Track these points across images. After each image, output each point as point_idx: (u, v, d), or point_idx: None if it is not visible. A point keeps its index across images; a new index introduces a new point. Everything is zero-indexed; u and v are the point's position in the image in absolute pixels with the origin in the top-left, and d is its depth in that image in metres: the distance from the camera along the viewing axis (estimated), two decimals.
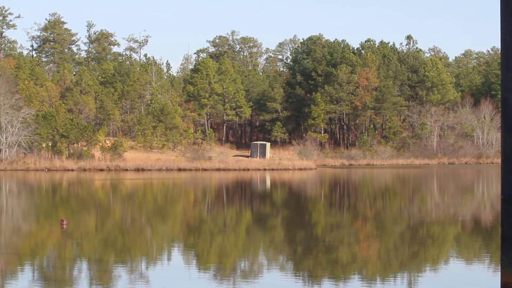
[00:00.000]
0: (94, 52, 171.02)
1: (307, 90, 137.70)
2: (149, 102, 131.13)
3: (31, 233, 31.41)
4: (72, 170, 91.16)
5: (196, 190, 60.14)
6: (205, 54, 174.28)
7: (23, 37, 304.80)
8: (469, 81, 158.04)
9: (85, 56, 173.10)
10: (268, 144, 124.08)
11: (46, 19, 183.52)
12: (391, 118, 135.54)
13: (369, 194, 55.67)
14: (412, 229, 31.67)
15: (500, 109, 17.76)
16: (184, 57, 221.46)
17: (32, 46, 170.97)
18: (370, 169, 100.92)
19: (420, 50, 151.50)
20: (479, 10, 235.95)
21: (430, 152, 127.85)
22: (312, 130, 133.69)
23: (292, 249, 25.73)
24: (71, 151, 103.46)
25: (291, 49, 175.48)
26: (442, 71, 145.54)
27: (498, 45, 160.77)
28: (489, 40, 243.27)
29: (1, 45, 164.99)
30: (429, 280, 20.11)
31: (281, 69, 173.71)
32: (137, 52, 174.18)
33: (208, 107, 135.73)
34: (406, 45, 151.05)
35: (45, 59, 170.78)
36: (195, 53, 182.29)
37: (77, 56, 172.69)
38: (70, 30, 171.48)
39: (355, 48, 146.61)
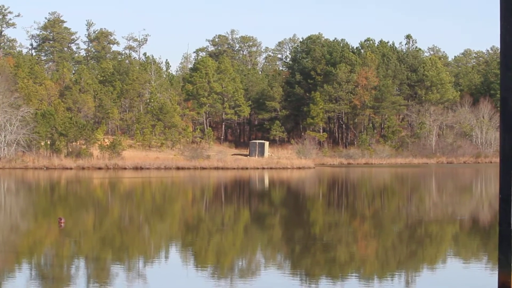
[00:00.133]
0: (94, 51, 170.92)
1: (306, 89, 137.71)
2: (148, 101, 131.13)
3: (29, 231, 31.40)
4: (71, 168, 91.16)
5: (195, 189, 60.13)
6: (204, 53, 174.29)
7: (22, 35, 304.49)
8: (468, 81, 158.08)
9: (85, 55, 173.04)
10: (266, 143, 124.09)
11: (45, 18, 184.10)
12: (390, 117, 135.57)
13: (367, 193, 55.66)
14: (410, 228, 31.67)
15: (499, 108, 17.77)
16: (183, 56, 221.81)
17: (31, 44, 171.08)
18: (368, 168, 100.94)
19: (420, 49, 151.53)
20: (479, 10, 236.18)
21: (428, 151, 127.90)
22: (311, 129, 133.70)
23: (290, 248, 25.72)
24: (70, 150, 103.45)
25: (291, 48, 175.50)
26: (441, 70, 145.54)
27: (497, 44, 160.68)
28: (488, 39, 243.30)
29: (0, 43, 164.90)
30: (427, 279, 20.11)
31: (280, 68, 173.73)
32: (136, 51, 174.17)
33: (207, 106, 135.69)
34: (405, 45, 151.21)
35: (45, 58, 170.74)
36: (194, 52, 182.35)
37: (76, 55, 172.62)
38: (69, 29, 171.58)
39: (355, 47, 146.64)
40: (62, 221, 31.40)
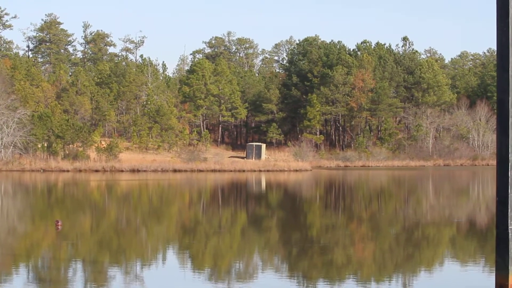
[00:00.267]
0: (90, 52, 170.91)
1: (303, 91, 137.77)
2: (144, 103, 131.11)
3: (26, 234, 31.35)
4: (68, 171, 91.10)
5: (192, 191, 60.10)
6: (201, 55, 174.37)
7: (19, 37, 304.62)
8: (465, 83, 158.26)
9: (81, 56, 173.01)
10: (263, 145, 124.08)
11: (42, 19, 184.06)
12: (387, 119, 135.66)
13: (364, 195, 55.67)
14: (407, 231, 31.67)
15: (495, 110, 17.77)
16: (180, 58, 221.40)
17: (28, 46, 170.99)
18: (365, 171, 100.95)
19: (416, 51, 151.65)
20: (475, 12, 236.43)
21: (425, 153, 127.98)
22: (307, 131, 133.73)
23: (287, 251, 25.71)
24: (67, 152, 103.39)
25: (287, 50, 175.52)
26: (438, 72, 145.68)
27: (494, 46, 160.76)
28: (485, 41, 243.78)
29: None
30: (424, 282, 20.11)
31: (277, 70, 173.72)
32: (133, 53, 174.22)
33: (203, 108, 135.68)
34: (402, 47, 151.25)
35: (41, 60, 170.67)
36: (191, 54, 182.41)
37: (73, 56, 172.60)
38: (66, 30, 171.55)
39: (351, 50, 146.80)
40: (59, 223, 31.36)
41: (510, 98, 14.07)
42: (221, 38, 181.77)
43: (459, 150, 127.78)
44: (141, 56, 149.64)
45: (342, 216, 38.89)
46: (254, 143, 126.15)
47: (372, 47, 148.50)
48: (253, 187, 68.44)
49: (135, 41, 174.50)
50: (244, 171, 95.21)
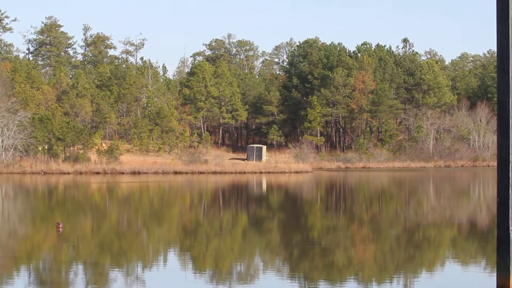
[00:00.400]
0: (91, 55, 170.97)
1: (303, 93, 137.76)
2: (145, 105, 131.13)
3: (27, 236, 31.36)
4: (68, 173, 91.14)
5: (192, 193, 60.10)
6: (201, 57, 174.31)
7: (19, 40, 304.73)
8: (465, 84, 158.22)
9: (82, 59, 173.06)
10: (264, 147, 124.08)
11: (42, 22, 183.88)
12: (387, 121, 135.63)
13: (365, 197, 55.67)
14: (408, 232, 31.68)
15: (496, 112, 17.77)
16: (180, 60, 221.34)
17: (28, 49, 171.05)
18: (366, 172, 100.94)
19: (417, 53, 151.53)
20: (476, 13, 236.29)
21: (426, 155, 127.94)
22: (308, 133, 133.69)
23: (288, 252, 25.72)
24: (67, 154, 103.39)
25: (288, 52, 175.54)
26: (438, 74, 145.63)
27: (494, 47, 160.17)
28: (485, 43, 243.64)
29: None
30: (425, 283, 20.11)
31: (278, 72, 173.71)
32: (133, 55, 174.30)
33: (204, 110, 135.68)
34: (402, 48, 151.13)
35: (42, 62, 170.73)
36: (191, 56, 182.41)
37: (73, 59, 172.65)
38: (66, 33, 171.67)
39: (352, 51, 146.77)
40: (60, 226, 31.37)
41: (510, 99, 14.09)
42: (221, 40, 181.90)
43: (459, 151, 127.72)
44: (142, 58, 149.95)
45: (343, 217, 38.89)
46: (255, 145, 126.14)
47: (372, 48, 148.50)
48: (254, 189, 68.45)
49: (135, 44, 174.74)
50: (244, 173, 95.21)
